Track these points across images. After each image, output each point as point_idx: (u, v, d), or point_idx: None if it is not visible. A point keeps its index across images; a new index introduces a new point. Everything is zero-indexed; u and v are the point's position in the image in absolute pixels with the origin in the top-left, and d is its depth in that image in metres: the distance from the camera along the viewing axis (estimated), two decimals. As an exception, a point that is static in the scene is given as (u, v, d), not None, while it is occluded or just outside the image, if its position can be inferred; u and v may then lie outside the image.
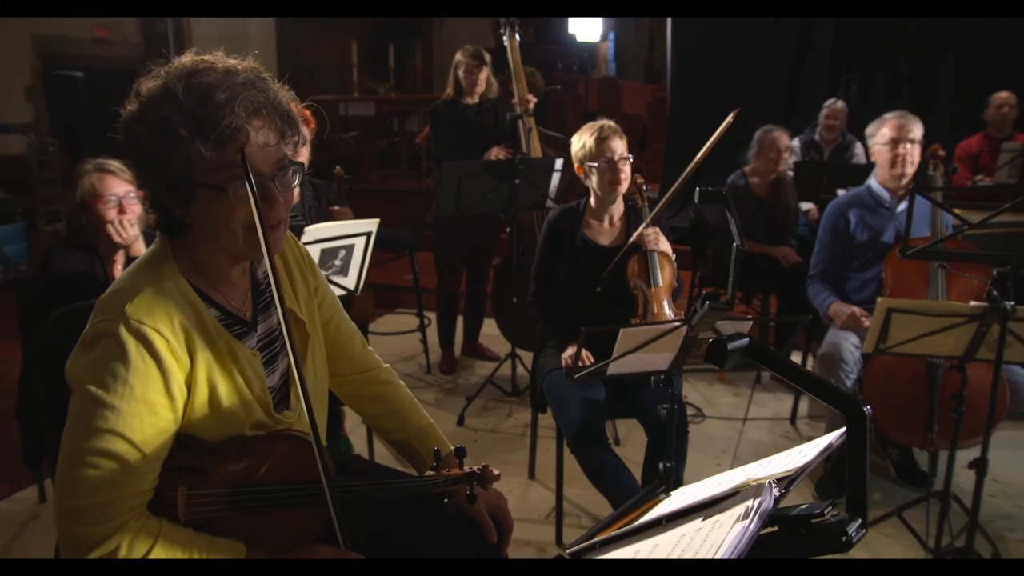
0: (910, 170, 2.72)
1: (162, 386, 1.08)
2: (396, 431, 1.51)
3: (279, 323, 1.29)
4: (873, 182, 2.83)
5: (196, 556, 1.10)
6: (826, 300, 2.81)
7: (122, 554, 1.05)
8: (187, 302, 1.13)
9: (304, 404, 1.08)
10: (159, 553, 1.07)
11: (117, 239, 2.22)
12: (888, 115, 2.75)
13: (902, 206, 2.76)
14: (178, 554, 1.09)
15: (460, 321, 4.14)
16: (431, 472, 1.30)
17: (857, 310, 2.69)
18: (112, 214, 2.21)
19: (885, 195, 2.79)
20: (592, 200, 2.56)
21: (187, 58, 1.10)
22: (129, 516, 1.07)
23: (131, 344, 1.06)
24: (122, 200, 2.22)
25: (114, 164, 2.26)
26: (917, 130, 2.71)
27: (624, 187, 2.47)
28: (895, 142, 2.69)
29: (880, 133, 2.73)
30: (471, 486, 1.28)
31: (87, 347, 1.08)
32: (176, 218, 1.12)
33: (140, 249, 2.31)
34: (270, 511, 1.18)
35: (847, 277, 2.85)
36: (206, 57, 1.10)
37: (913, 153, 2.70)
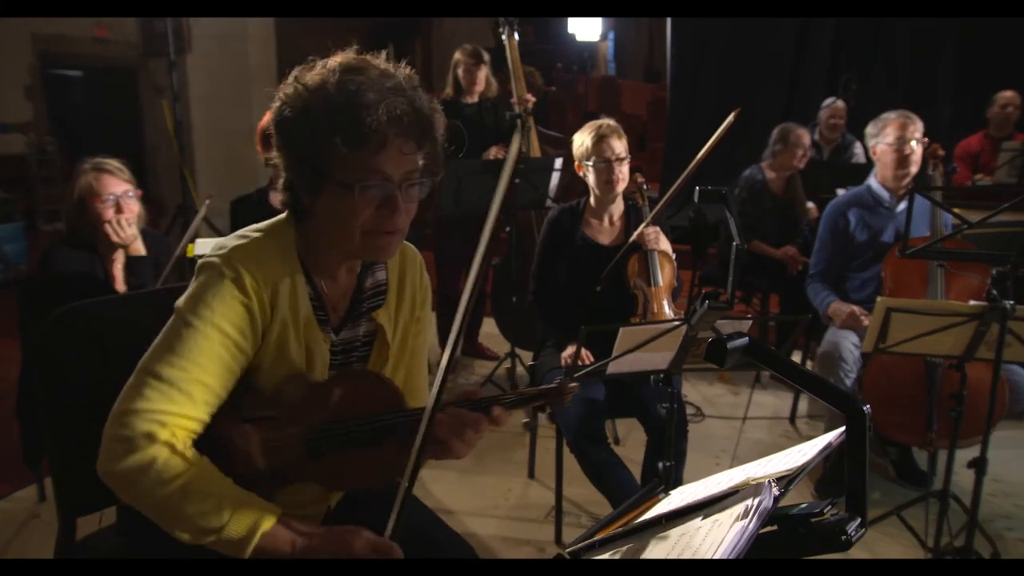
0: (914, 169, 2.73)
1: (243, 323, 1.13)
2: None
3: (361, 338, 1.31)
4: (873, 182, 2.83)
5: (226, 506, 1.08)
6: (826, 299, 2.81)
7: (158, 466, 1.05)
8: (289, 271, 1.18)
9: (438, 385, 1.01)
10: (190, 479, 1.07)
11: (115, 238, 2.22)
12: (890, 114, 2.75)
13: (902, 205, 2.76)
14: (209, 490, 1.08)
15: (460, 321, 4.13)
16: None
17: (857, 309, 2.69)
18: (110, 213, 2.20)
19: (885, 195, 2.79)
20: (592, 199, 2.55)
21: (348, 55, 1.14)
22: (174, 438, 1.08)
23: (227, 277, 1.12)
24: (120, 199, 2.22)
25: (112, 163, 2.25)
26: (919, 129, 2.71)
27: (620, 187, 2.47)
28: (901, 141, 2.69)
29: (884, 132, 2.72)
30: (550, 400, 1.32)
31: (193, 278, 1.15)
32: (303, 204, 1.16)
33: (139, 248, 2.31)
34: (347, 450, 1.20)
35: (847, 276, 2.85)
36: (366, 57, 1.14)
37: (917, 152, 2.70)
